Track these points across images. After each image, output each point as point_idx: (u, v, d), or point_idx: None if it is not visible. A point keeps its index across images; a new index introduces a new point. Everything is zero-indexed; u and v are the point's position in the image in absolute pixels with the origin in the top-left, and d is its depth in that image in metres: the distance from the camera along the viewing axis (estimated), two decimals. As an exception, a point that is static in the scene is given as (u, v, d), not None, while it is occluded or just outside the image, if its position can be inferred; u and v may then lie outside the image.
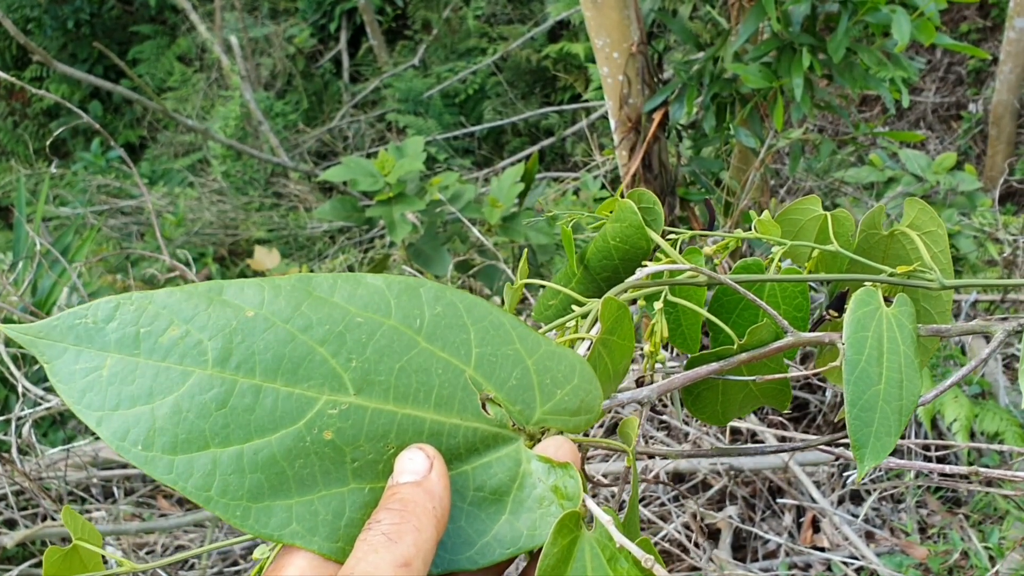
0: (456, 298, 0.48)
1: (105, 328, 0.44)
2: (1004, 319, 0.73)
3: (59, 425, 3.31)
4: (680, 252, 0.76)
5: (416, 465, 0.45)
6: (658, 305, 0.69)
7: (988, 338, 0.75)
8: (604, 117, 5.29)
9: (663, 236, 0.78)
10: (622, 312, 0.56)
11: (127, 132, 7.40)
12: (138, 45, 7.60)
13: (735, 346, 0.66)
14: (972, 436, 2.79)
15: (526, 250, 0.76)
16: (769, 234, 0.79)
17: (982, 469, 1.18)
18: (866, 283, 0.72)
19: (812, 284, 1.00)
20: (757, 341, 0.66)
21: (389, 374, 0.46)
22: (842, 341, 0.63)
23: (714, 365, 0.65)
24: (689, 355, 0.72)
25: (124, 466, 2.94)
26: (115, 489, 2.88)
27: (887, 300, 0.66)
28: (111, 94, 7.21)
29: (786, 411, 0.75)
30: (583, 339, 0.58)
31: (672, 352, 1.55)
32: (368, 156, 6.23)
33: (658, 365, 0.69)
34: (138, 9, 7.85)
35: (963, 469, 1.20)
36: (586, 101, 6.21)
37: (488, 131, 6.51)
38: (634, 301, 0.73)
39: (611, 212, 0.76)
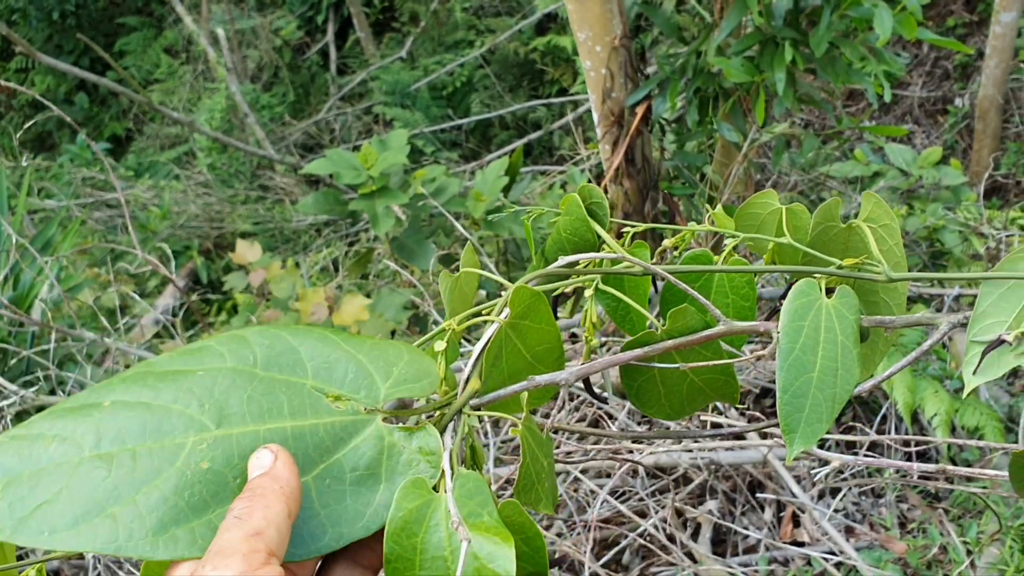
0: (282, 331, 0.58)
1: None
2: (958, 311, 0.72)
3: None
4: (629, 244, 0.75)
5: (263, 461, 0.52)
6: (588, 292, 0.68)
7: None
8: (591, 111, 5.29)
9: (619, 229, 0.78)
10: (536, 299, 0.59)
11: (113, 124, 7.37)
12: (124, 37, 7.56)
13: (659, 332, 0.66)
14: (953, 430, 2.79)
15: (469, 241, 0.75)
16: (724, 227, 0.79)
17: (950, 467, 1.18)
18: (816, 275, 0.71)
19: (774, 277, 1.00)
20: (682, 327, 0.66)
21: (240, 404, 0.54)
22: (777, 330, 0.62)
23: (638, 351, 0.65)
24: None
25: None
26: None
27: (831, 292, 0.66)
28: (97, 86, 7.18)
29: (737, 404, 0.75)
30: (491, 322, 0.58)
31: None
32: (354, 149, 6.21)
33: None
34: (124, 1, 7.81)
35: (931, 467, 1.20)
36: (574, 94, 6.20)
37: (475, 124, 6.49)
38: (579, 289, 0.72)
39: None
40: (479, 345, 0.57)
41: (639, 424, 2.74)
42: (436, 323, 2.93)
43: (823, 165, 4.68)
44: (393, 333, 3.53)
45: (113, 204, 5.86)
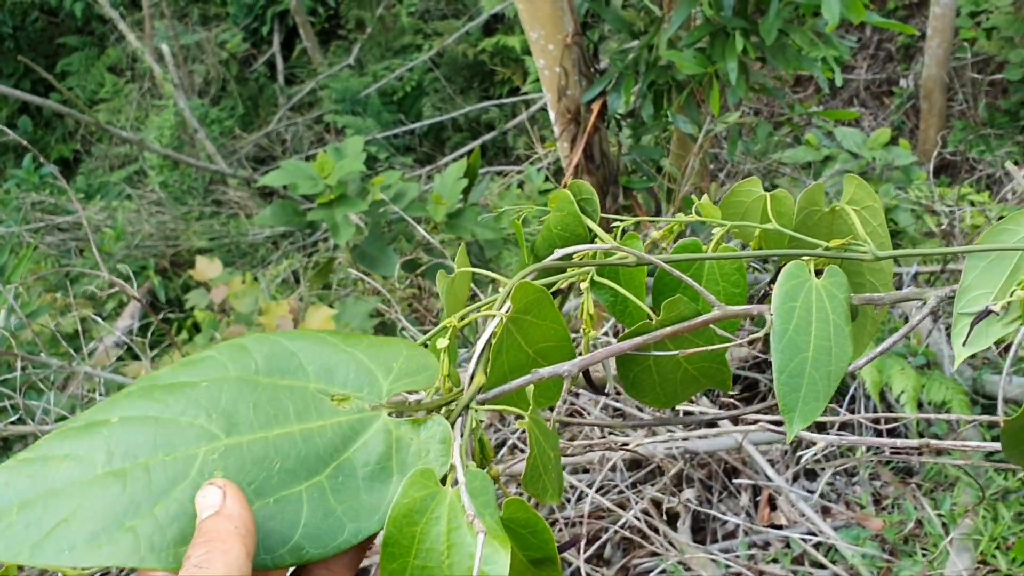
0: (279, 337, 0.59)
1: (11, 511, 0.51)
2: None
3: (2, 451, 3.24)
4: (621, 238, 0.76)
5: (211, 499, 0.52)
6: (584, 285, 0.69)
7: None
8: (544, 109, 5.30)
9: (609, 224, 0.79)
10: (539, 296, 0.59)
11: (60, 146, 7.25)
12: (66, 57, 7.44)
13: (654, 322, 0.67)
14: (920, 406, 2.83)
15: (463, 243, 0.75)
16: (711, 217, 0.79)
17: (933, 441, 1.20)
18: (804, 258, 0.72)
19: (759, 263, 1.01)
20: (676, 316, 0.67)
21: (247, 412, 0.55)
22: (771, 312, 0.63)
23: (636, 340, 0.65)
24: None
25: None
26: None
27: (819, 272, 0.67)
28: (41, 108, 7.06)
29: (730, 391, 0.75)
30: (493, 316, 0.59)
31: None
32: (307, 159, 6.16)
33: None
34: (64, 20, 7.68)
35: (914, 442, 1.21)
36: (525, 94, 6.21)
37: (428, 128, 6.48)
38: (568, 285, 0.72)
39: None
40: (481, 339, 0.57)
41: (612, 417, 2.75)
42: (404, 330, 2.92)
43: (775, 152, 4.74)
44: (360, 342, 3.50)
45: (65, 228, 5.77)
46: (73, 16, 7.38)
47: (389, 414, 0.56)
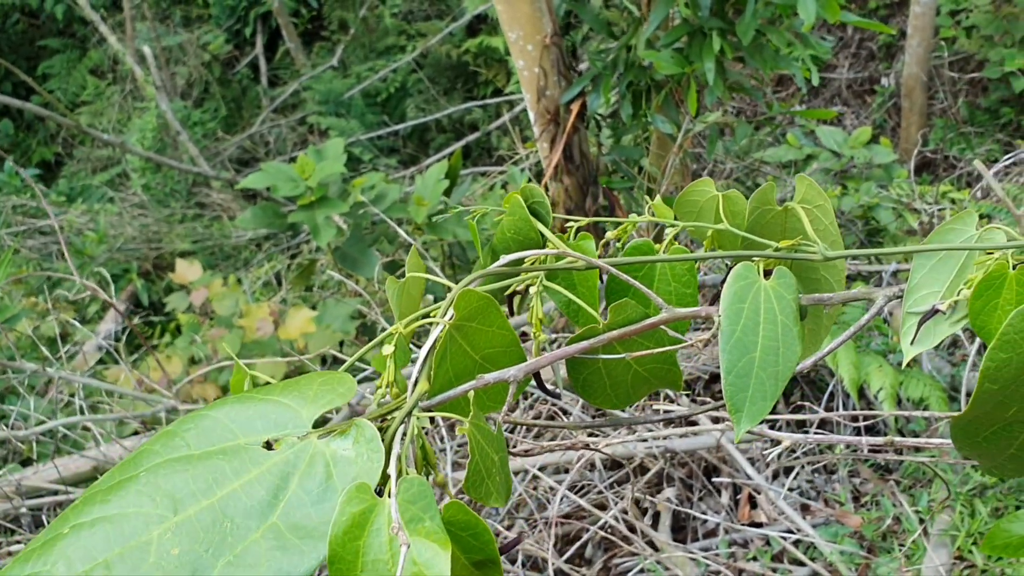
0: (201, 411, 0.60)
1: None
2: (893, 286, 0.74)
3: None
4: (574, 238, 0.76)
5: None
6: (533, 290, 0.69)
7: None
8: (527, 110, 5.30)
9: (563, 224, 0.79)
10: (484, 303, 0.59)
11: (41, 149, 7.21)
12: (47, 60, 7.41)
13: (600, 325, 0.67)
14: (899, 403, 2.85)
15: (414, 246, 0.75)
16: (664, 217, 0.79)
17: (898, 439, 1.20)
18: (754, 258, 0.73)
19: (716, 264, 1.01)
20: (623, 319, 0.67)
21: (188, 487, 0.57)
22: (718, 313, 0.63)
23: (582, 344, 0.65)
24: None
25: (55, 493, 2.86)
26: (45, 518, 2.80)
27: (768, 273, 0.68)
28: (22, 111, 7.02)
29: (681, 390, 0.76)
30: (436, 323, 0.59)
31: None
32: (290, 161, 6.14)
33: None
34: (44, 23, 7.64)
35: (880, 440, 1.22)
36: (509, 94, 6.21)
37: (412, 129, 6.47)
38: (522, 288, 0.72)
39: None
40: (425, 347, 0.58)
41: (593, 418, 2.75)
42: (384, 331, 2.92)
43: (757, 151, 4.75)
44: (341, 344, 3.50)
45: (47, 231, 5.74)
46: (54, 18, 7.35)
47: (319, 437, 0.57)
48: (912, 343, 0.72)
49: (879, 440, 1.25)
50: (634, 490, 2.65)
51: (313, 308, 3.66)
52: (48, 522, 2.78)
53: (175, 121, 5.92)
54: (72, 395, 3.15)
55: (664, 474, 2.77)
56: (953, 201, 4.27)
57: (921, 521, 2.53)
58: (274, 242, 5.26)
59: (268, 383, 0.65)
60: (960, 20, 5.31)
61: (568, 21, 3.34)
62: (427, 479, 0.56)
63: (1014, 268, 0.71)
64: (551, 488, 2.58)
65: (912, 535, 2.48)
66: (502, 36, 6.24)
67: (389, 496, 0.54)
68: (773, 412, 3.01)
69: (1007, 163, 4.13)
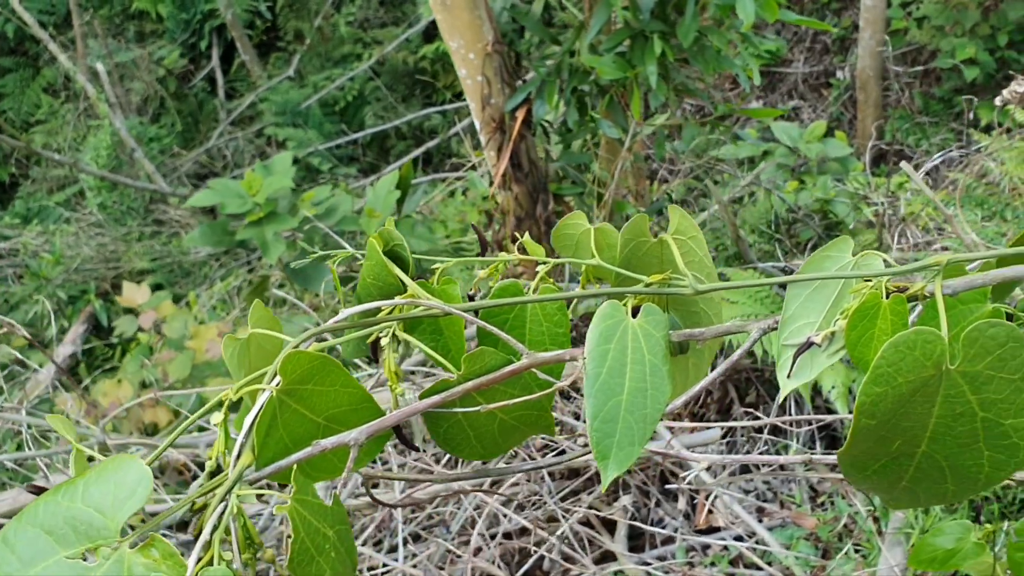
0: (25, 521, 0.54)
1: None
2: (765, 319, 0.72)
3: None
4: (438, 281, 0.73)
5: None
6: (384, 340, 0.66)
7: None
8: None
9: (430, 266, 0.76)
10: (318, 363, 0.56)
11: (-4, 170, 7.12)
12: (0, 79, 7.31)
13: (455, 377, 0.65)
14: (853, 399, 2.84)
15: (256, 300, 0.72)
16: (535, 255, 0.77)
17: (815, 456, 1.19)
18: (628, 295, 0.71)
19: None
20: (480, 368, 0.64)
21: None
22: (583, 356, 0.61)
23: (435, 398, 0.63)
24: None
25: None
26: None
27: (635, 311, 0.65)
28: (-24, 133, 6.92)
29: (554, 435, 0.73)
30: (262, 390, 0.56)
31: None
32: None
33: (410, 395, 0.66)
34: (-4, 42, 7.54)
35: (798, 458, 1.20)
36: (467, 100, 6.17)
37: (371, 137, 6.43)
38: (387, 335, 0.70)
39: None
40: (249, 416, 0.55)
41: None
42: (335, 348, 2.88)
43: (713, 149, 4.74)
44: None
45: (2, 254, 5.67)
46: (5, 36, 7.25)
47: (130, 546, 0.52)
48: (788, 376, 0.70)
49: (796, 458, 1.24)
50: (591, 498, 2.63)
51: (268, 325, 3.61)
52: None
53: (129, 138, 5.85)
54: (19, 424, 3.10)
55: (620, 481, 2.75)
56: (908, 191, 4.29)
57: (876, 520, 2.52)
58: (233, 257, 5.21)
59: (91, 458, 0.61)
60: (911, 11, 5.32)
61: (520, 28, 3.32)
62: (255, 556, 0.53)
63: (887, 297, 0.69)
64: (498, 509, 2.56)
65: (868, 535, 2.47)
66: (457, 41, 6.21)
67: None
68: (726, 415, 3.00)
69: (937, 160, 4.19)
